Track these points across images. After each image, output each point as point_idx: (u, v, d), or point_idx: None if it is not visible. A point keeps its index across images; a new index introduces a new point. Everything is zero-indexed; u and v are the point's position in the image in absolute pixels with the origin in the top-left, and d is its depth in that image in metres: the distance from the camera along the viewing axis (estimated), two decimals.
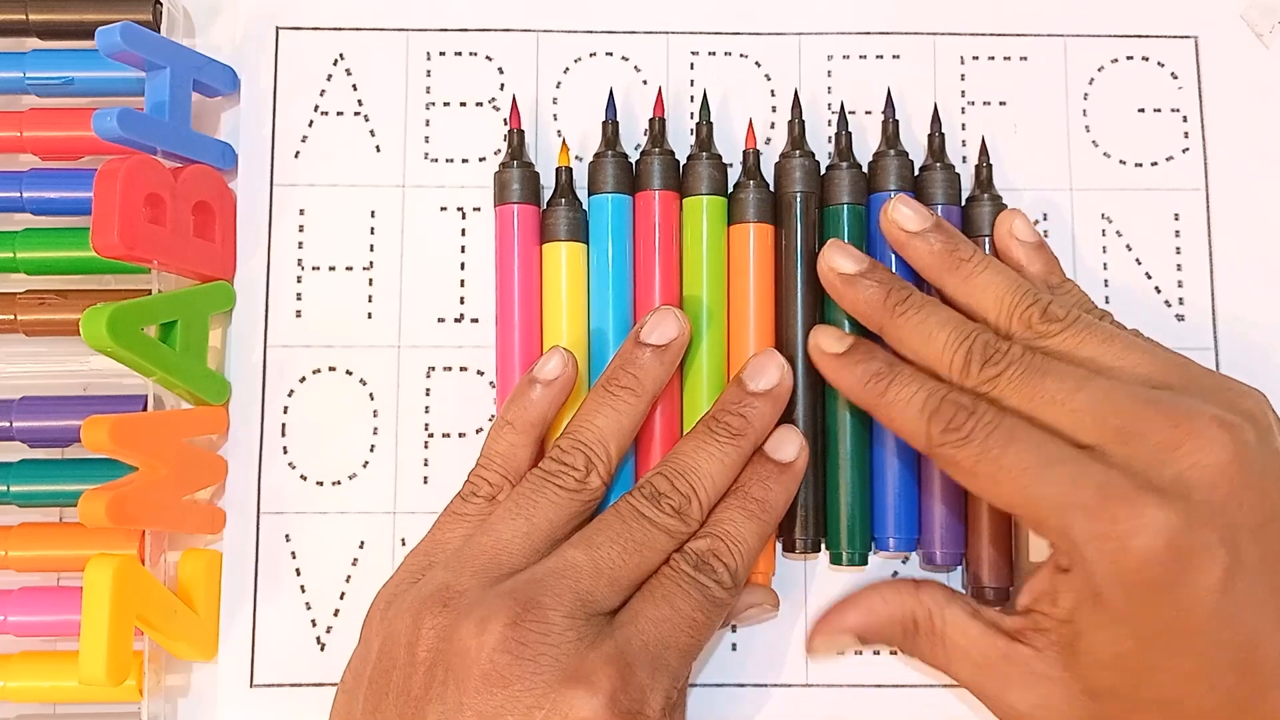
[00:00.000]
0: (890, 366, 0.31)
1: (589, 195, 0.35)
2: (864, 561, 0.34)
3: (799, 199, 0.35)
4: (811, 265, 0.34)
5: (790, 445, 0.33)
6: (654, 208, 0.35)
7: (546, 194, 0.36)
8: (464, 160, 0.37)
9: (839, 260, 0.33)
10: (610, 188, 0.35)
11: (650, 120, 0.36)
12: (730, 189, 0.35)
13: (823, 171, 0.36)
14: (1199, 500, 0.27)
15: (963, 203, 0.35)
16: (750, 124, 0.36)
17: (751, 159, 0.35)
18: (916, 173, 0.36)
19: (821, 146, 0.37)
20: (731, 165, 0.36)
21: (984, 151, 0.36)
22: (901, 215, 0.33)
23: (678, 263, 0.35)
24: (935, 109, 0.36)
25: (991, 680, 0.30)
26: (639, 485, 0.31)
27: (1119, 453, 0.27)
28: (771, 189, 0.35)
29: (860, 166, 0.35)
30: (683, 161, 0.35)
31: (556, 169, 0.36)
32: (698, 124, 0.36)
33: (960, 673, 0.31)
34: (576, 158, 0.37)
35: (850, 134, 0.36)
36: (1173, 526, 0.26)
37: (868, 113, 0.37)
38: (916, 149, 0.37)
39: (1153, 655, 0.27)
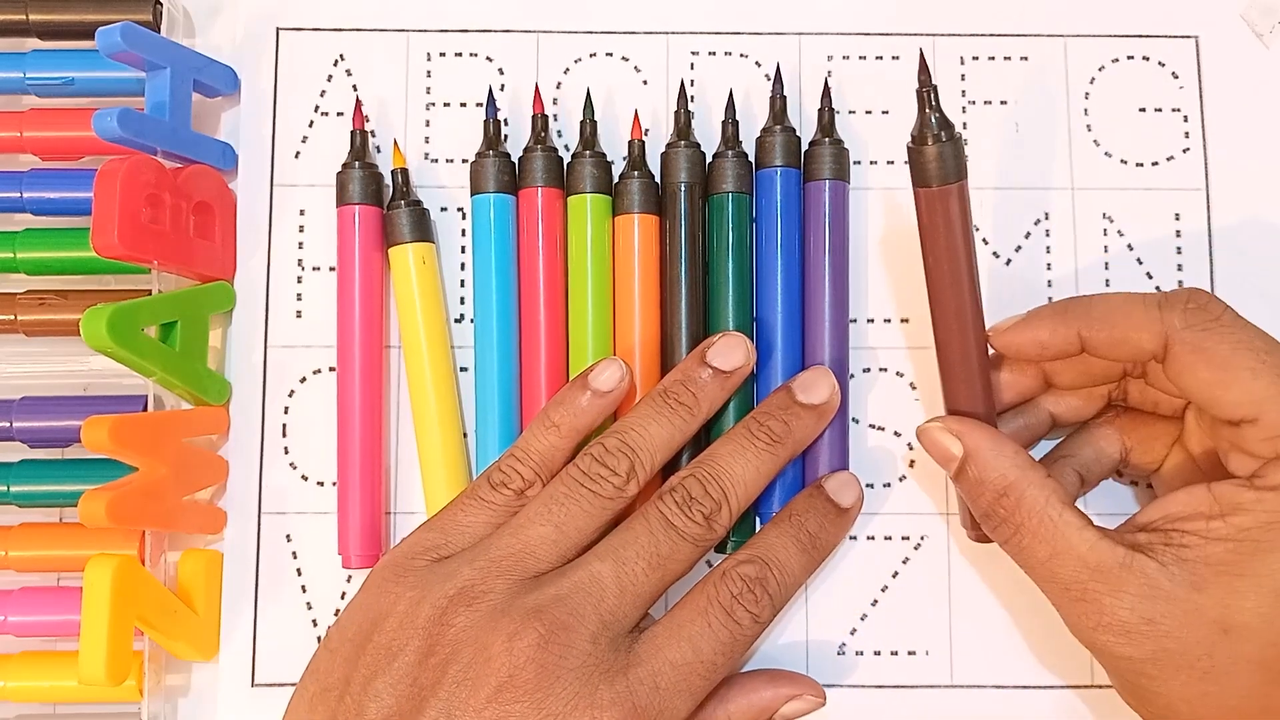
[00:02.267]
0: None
1: (471, 195, 0.36)
2: None
3: (683, 189, 0.35)
4: (695, 255, 0.34)
5: (850, 492, 0.33)
6: (537, 205, 0.35)
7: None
8: (464, 160, 0.37)
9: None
10: (492, 188, 0.35)
11: (533, 117, 0.36)
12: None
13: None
14: None
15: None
16: (636, 115, 0.36)
17: (636, 149, 0.35)
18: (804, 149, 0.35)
19: None
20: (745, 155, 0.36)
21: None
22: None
23: (562, 260, 0.35)
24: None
25: (1100, 584, 0.28)
26: (670, 488, 0.30)
27: None
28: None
29: (746, 155, 0.35)
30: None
31: (393, 171, 0.36)
32: (582, 122, 0.36)
33: (1061, 569, 0.28)
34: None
35: (737, 123, 0.36)
36: None
37: (868, 112, 0.37)
38: None
39: None
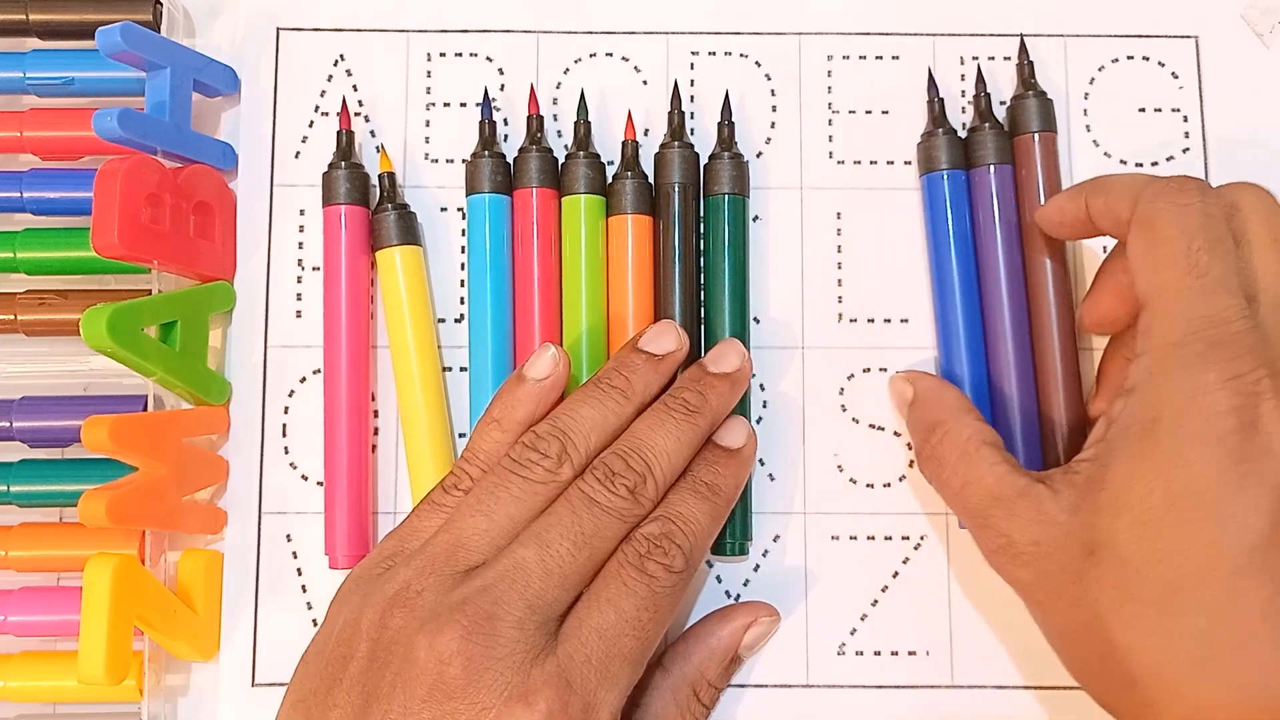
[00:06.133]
0: None
1: (466, 196, 0.36)
2: (745, 551, 0.35)
3: (676, 189, 0.35)
4: (689, 256, 0.35)
5: (738, 432, 0.33)
6: (532, 205, 0.35)
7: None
8: (464, 160, 0.37)
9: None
10: (487, 188, 0.35)
11: (528, 118, 0.36)
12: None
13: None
14: None
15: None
16: (629, 115, 0.36)
17: (630, 150, 0.36)
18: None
19: (820, 145, 0.37)
20: (749, 160, 0.36)
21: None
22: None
23: (557, 260, 0.35)
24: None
25: (999, 510, 0.29)
26: (592, 467, 0.30)
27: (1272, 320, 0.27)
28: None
29: (741, 156, 0.35)
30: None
31: (380, 175, 0.36)
32: (576, 123, 0.36)
33: (970, 498, 0.30)
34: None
35: (733, 124, 0.36)
36: (1263, 387, 0.26)
37: (868, 112, 0.37)
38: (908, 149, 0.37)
39: (1178, 524, 0.26)
